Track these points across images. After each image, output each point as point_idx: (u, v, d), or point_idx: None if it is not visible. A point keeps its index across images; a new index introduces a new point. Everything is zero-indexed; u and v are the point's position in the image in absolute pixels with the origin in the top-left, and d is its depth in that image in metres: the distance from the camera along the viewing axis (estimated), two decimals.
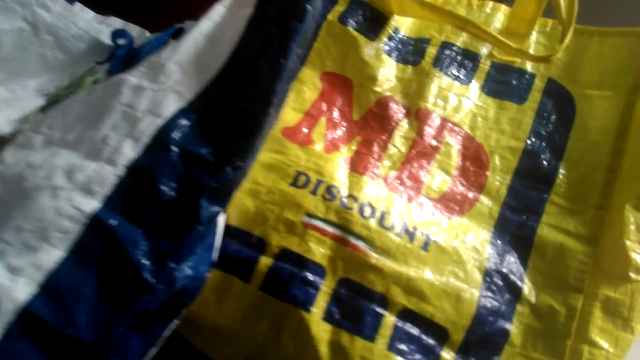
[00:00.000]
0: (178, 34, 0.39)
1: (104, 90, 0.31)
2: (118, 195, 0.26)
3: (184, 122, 0.29)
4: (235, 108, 0.28)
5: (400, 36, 0.42)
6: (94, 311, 0.24)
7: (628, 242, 0.34)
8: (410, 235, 0.34)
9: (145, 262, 0.25)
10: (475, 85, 0.40)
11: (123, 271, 0.25)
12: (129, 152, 0.27)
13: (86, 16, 0.46)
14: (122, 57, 0.44)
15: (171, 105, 0.29)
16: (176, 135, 0.28)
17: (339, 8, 0.41)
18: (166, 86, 0.30)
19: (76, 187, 0.26)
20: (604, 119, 0.38)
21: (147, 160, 0.27)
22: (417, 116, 0.38)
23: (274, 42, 0.29)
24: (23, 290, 0.24)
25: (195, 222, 0.26)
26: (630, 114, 0.37)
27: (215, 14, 0.33)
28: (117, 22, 0.49)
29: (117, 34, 0.45)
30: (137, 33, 0.48)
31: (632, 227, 0.34)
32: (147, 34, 0.48)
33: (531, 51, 0.41)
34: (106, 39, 0.46)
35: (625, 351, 0.32)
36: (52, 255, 0.25)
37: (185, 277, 0.27)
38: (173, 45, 0.32)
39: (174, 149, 0.27)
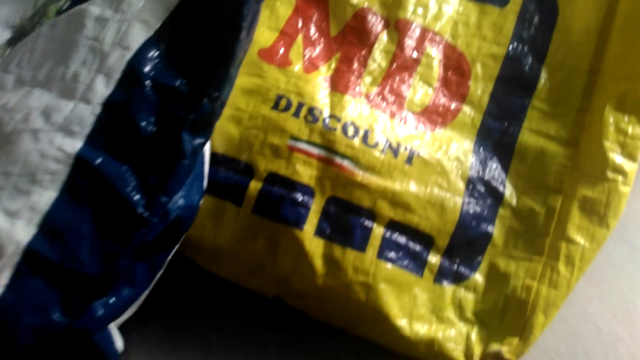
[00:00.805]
0: None
1: (67, 24, 0.30)
2: (98, 133, 0.27)
3: (154, 53, 0.28)
4: (204, 36, 0.28)
5: None
6: (95, 246, 0.25)
7: (607, 143, 0.35)
8: (394, 150, 0.35)
9: (136, 197, 0.26)
10: None
11: (116, 207, 0.26)
12: (102, 89, 0.27)
13: None
14: None
15: (138, 36, 0.28)
16: (147, 68, 0.28)
17: None
18: (130, 15, 0.29)
19: (56, 128, 0.27)
20: (586, 20, 0.37)
21: (122, 97, 0.27)
22: (396, 27, 0.38)
23: None
24: (23, 231, 0.25)
25: (179, 157, 0.27)
26: (612, 14, 0.37)
27: None
28: None
29: None
30: None
31: (611, 128, 0.35)
32: None
33: None
34: None
35: (600, 245, 0.34)
36: (45, 197, 0.26)
37: (178, 207, 0.28)
38: None
39: (147, 82, 0.27)
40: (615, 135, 0.35)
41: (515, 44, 0.38)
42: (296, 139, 0.34)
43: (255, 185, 0.34)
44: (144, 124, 0.27)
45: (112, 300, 0.27)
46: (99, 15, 0.29)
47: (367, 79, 0.37)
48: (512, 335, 0.33)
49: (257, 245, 0.34)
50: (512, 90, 0.38)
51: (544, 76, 0.38)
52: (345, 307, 0.34)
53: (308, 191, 0.34)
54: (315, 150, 0.34)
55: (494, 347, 0.33)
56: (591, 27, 0.37)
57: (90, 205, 0.26)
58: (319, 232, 0.34)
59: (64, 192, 0.26)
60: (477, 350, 0.33)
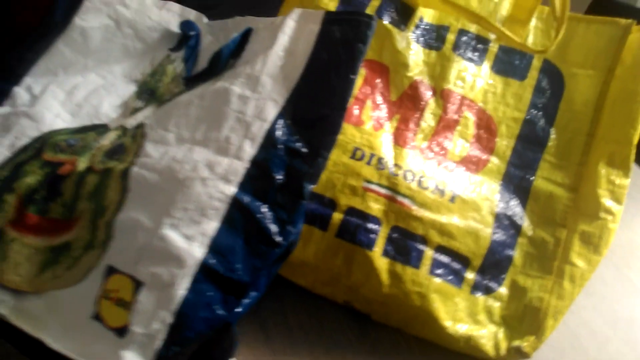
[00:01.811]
0: (247, 34, 0.47)
1: (215, 97, 0.41)
2: (247, 181, 0.37)
3: (282, 124, 0.39)
4: (318, 113, 0.38)
5: (425, 24, 0.51)
6: (246, 262, 0.36)
7: (600, 190, 0.46)
8: (441, 192, 0.46)
9: (273, 227, 0.36)
10: (486, 66, 0.50)
11: (259, 234, 0.36)
12: (249, 149, 0.38)
13: (156, 9, 0.53)
14: (194, 47, 0.52)
15: (271, 111, 0.39)
16: (279, 135, 0.38)
17: (375, 3, 0.50)
18: (264, 95, 0.39)
19: (218, 177, 0.37)
20: (586, 94, 0.49)
21: (263, 155, 0.37)
22: (441, 96, 0.49)
23: (343, 60, 0.39)
24: (198, 250, 0.35)
25: (301, 199, 0.37)
26: (606, 90, 0.48)
27: (288, 29, 0.42)
28: (175, 7, 0.56)
29: (185, 25, 0.52)
30: (195, 16, 0.56)
31: (603, 179, 0.46)
32: (204, 18, 0.56)
33: (530, 35, 0.51)
34: (174, 28, 0.54)
35: (595, 267, 0.45)
36: (211, 226, 0.36)
37: (295, 234, 0.38)
38: (261, 59, 0.41)
39: (280, 146, 0.38)
40: (607, 185, 0.46)
41: (531, 110, 0.49)
42: (369, 181, 0.45)
43: (337, 216, 0.45)
44: (278, 175, 0.37)
45: (247, 300, 0.37)
46: (241, 94, 0.40)
47: (420, 136, 0.48)
48: (529, 334, 0.44)
49: (336, 261, 0.45)
50: (529, 146, 0.49)
51: (552, 136, 0.49)
52: (404, 310, 0.45)
53: (377, 221, 0.45)
54: (382, 191, 0.45)
55: (516, 343, 0.44)
56: (590, 100, 0.49)
57: (242, 232, 0.36)
58: (385, 253, 0.44)
59: (224, 223, 0.36)
60: (503, 345, 0.44)
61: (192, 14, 0.56)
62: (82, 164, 0.42)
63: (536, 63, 0.50)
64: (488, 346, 0.44)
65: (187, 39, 0.53)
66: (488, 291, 0.46)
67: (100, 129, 0.48)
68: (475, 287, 0.46)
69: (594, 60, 0.49)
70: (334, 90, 0.39)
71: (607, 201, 0.46)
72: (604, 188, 0.46)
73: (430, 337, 0.45)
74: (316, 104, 0.39)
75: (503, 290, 0.46)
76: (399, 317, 0.45)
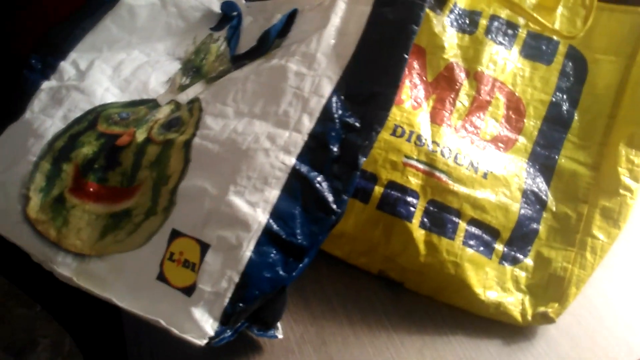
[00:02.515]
0: (293, 15, 0.49)
1: (271, 74, 0.43)
2: (305, 153, 0.39)
3: (336, 99, 0.41)
4: (371, 90, 0.41)
5: (458, 9, 0.53)
6: (305, 227, 0.38)
7: (620, 169, 0.50)
8: (475, 168, 0.49)
9: (329, 196, 0.39)
10: (515, 50, 0.53)
11: (317, 202, 0.39)
12: (307, 123, 0.40)
13: None
14: (236, 27, 0.54)
15: (327, 87, 0.41)
16: (335, 110, 0.41)
17: None
18: (320, 72, 0.42)
19: (279, 148, 0.39)
20: (608, 78, 0.52)
21: (320, 129, 0.40)
22: (475, 77, 0.51)
23: (396, 40, 0.41)
24: (262, 216, 0.38)
25: (355, 170, 0.40)
26: (627, 76, 0.51)
27: (339, 10, 0.45)
28: None
29: (227, 5, 0.54)
30: None
31: (623, 158, 0.50)
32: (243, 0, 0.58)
33: (557, 22, 0.54)
34: (215, 8, 0.56)
35: (614, 240, 0.49)
36: (273, 194, 0.38)
37: (346, 203, 0.41)
38: (316, 38, 0.43)
39: (336, 120, 0.40)
40: (626, 164, 0.50)
41: (557, 93, 0.52)
42: (408, 157, 0.48)
43: (378, 189, 0.47)
44: (333, 147, 0.40)
45: (302, 264, 0.40)
46: (297, 71, 0.42)
47: (455, 115, 0.50)
48: (553, 301, 0.48)
49: (375, 232, 0.48)
50: (554, 127, 0.52)
51: (575, 118, 0.52)
52: (438, 279, 0.48)
53: (415, 195, 0.47)
54: (421, 166, 0.48)
55: (541, 309, 0.47)
56: (611, 84, 0.52)
57: (300, 200, 0.39)
58: (422, 224, 0.47)
59: (284, 191, 0.39)
60: (530, 311, 0.48)
61: None
62: (140, 135, 0.44)
63: (562, 49, 0.53)
64: (515, 312, 0.47)
65: (228, 19, 0.55)
66: (515, 261, 0.49)
67: (150, 103, 0.50)
68: (504, 258, 0.49)
69: (616, 47, 0.52)
70: (387, 68, 0.41)
71: (626, 179, 0.49)
72: (624, 167, 0.50)
73: (462, 304, 0.49)
74: (369, 82, 0.41)
75: (529, 261, 0.49)
76: (432, 285, 0.49)
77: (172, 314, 0.37)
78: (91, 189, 0.43)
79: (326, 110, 0.40)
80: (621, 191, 0.49)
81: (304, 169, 0.39)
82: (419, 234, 0.47)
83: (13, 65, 0.63)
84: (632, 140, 0.50)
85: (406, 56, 0.41)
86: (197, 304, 0.37)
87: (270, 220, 0.38)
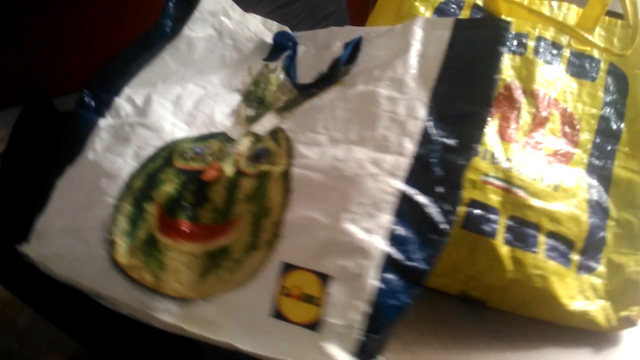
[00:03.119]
0: (359, 43, 0.50)
1: (361, 100, 0.43)
2: (411, 176, 0.39)
3: (431, 121, 0.41)
4: (464, 110, 0.42)
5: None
6: (420, 251, 0.38)
7: None
8: (546, 182, 0.50)
9: (439, 218, 0.39)
10: (562, 69, 0.56)
11: (428, 225, 0.39)
12: (410, 146, 0.40)
13: (254, 20, 0.55)
14: (292, 56, 0.54)
15: (421, 110, 0.42)
16: (432, 131, 0.41)
17: (465, 12, 0.54)
18: (411, 96, 0.42)
19: (386, 173, 0.39)
20: None
21: (423, 151, 0.40)
22: (532, 95, 0.53)
23: (485, 61, 0.42)
24: (380, 242, 0.37)
25: (459, 189, 0.40)
26: None
27: (417, 35, 0.45)
28: (260, 18, 0.57)
29: (282, 35, 0.54)
30: (276, 27, 0.58)
31: None
32: (287, 29, 0.58)
33: (596, 41, 0.57)
34: (268, 39, 0.55)
35: None
36: (385, 219, 0.38)
37: (454, 223, 0.41)
38: (402, 64, 0.44)
39: (435, 141, 0.41)
40: None
41: (605, 107, 0.55)
42: (486, 175, 0.49)
43: (462, 209, 0.48)
44: (437, 169, 0.40)
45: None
46: (389, 96, 0.42)
47: (520, 132, 0.52)
48: (633, 305, 0.49)
49: (459, 252, 0.48)
50: (606, 139, 0.54)
51: (624, 130, 0.55)
52: (525, 293, 0.48)
53: (496, 212, 0.48)
54: (499, 183, 0.49)
55: (624, 313, 0.49)
56: None
57: (413, 223, 0.38)
58: (506, 241, 0.48)
59: (396, 215, 0.38)
60: (613, 317, 0.49)
61: (274, 25, 0.58)
62: (228, 169, 0.43)
63: (603, 66, 0.56)
64: (600, 318, 0.48)
65: (279, 49, 0.55)
66: (590, 270, 0.50)
67: (220, 136, 0.48)
68: (580, 267, 0.50)
69: None
70: (478, 89, 0.42)
71: None
72: None
73: (548, 316, 0.49)
74: (461, 102, 0.42)
75: (601, 268, 0.51)
76: (518, 300, 0.49)
77: (301, 352, 0.36)
78: (183, 228, 0.41)
79: (425, 132, 0.41)
80: None
81: (412, 192, 0.39)
82: (504, 251, 0.48)
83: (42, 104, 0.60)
84: None
85: (496, 77, 0.42)
86: (328, 339, 0.35)
87: (389, 246, 0.37)
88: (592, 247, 0.51)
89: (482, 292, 0.49)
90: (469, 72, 0.43)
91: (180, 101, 0.51)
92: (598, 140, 0.54)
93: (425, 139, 0.41)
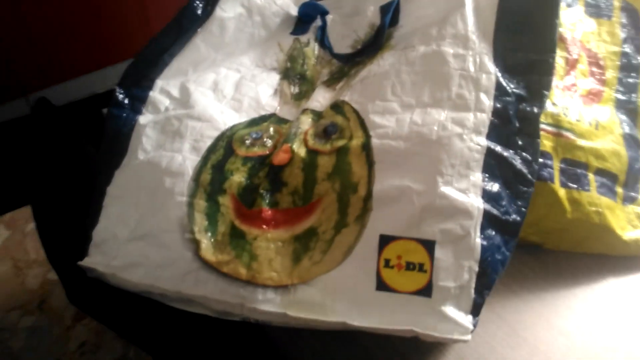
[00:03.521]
0: (398, 5, 0.49)
1: (427, 61, 0.42)
2: (492, 131, 0.40)
3: (500, 73, 0.42)
4: (528, 59, 0.42)
5: None
6: (512, 203, 0.39)
7: None
8: (588, 122, 0.52)
9: (524, 169, 0.40)
10: (581, 10, 0.57)
11: (516, 177, 0.39)
12: (487, 101, 0.40)
13: None
14: (324, 27, 0.52)
15: (489, 64, 0.42)
16: (505, 83, 0.41)
17: None
18: (477, 50, 0.42)
19: (471, 130, 0.39)
20: None
21: (499, 104, 0.40)
22: (561, 39, 0.54)
23: (542, 6, 0.42)
24: (477, 200, 0.37)
25: (537, 138, 0.41)
26: None
27: None
28: None
29: (310, 6, 0.52)
30: None
31: None
32: None
33: None
34: (293, 12, 0.53)
35: None
36: (477, 177, 0.38)
37: (537, 173, 0.41)
38: (460, 19, 0.43)
39: (511, 93, 0.41)
40: None
41: (624, 44, 0.57)
42: None
43: None
44: (514, 121, 0.40)
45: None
46: (455, 53, 0.42)
47: (557, 77, 0.53)
48: None
49: None
50: (628, 74, 0.57)
51: None
52: (582, 231, 0.50)
53: (549, 157, 0.49)
54: (549, 128, 0.50)
55: None
56: None
57: (501, 178, 0.39)
58: (562, 183, 0.49)
59: (485, 172, 0.39)
60: None
61: None
62: (300, 150, 0.42)
63: (616, 3, 0.58)
64: None
65: (304, 21, 0.53)
66: (632, 200, 0.53)
67: (271, 118, 0.47)
68: (625, 199, 0.53)
69: None
70: (540, 36, 0.42)
71: None
72: None
73: (603, 249, 0.52)
74: (525, 51, 0.42)
75: None
76: (576, 238, 0.51)
77: (419, 320, 0.36)
78: (265, 215, 0.40)
79: (499, 86, 0.41)
80: None
81: (496, 146, 0.40)
82: (563, 193, 0.49)
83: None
84: None
85: (557, 21, 0.42)
86: (444, 302, 0.36)
87: (485, 203, 0.38)
88: (632, 178, 0.53)
89: (540, 235, 0.51)
90: (527, 20, 0.43)
91: (219, 87, 0.48)
92: (622, 76, 0.56)
93: (500, 92, 0.41)
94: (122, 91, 0.47)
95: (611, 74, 0.56)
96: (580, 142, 0.50)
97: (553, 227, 0.50)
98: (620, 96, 0.56)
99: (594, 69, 0.56)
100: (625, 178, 0.53)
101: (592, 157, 0.51)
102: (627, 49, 0.57)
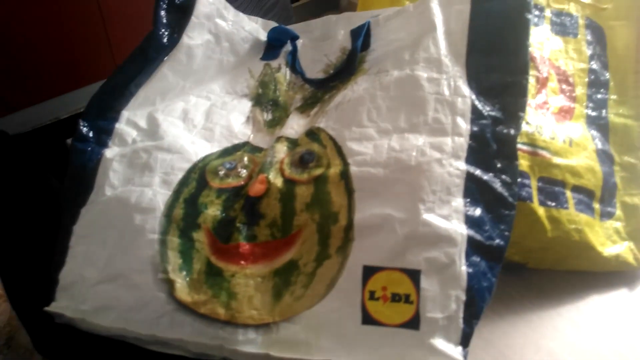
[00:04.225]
0: (369, 29, 0.48)
1: (401, 86, 0.42)
2: (470, 154, 0.39)
3: (474, 96, 0.41)
4: (503, 81, 0.42)
5: None
6: (495, 228, 0.38)
7: None
8: (562, 139, 0.52)
9: (504, 191, 0.39)
10: (547, 28, 0.58)
11: (497, 200, 0.38)
12: (464, 125, 0.40)
13: (247, 19, 0.51)
14: (294, 52, 0.51)
15: (464, 87, 0.41)
16: (480, 106, 0.41)
17: None
18: (451, 74, 0.41)
19: (450, 155, 0.38)
20: (625, 40, 0.59)
21: (476, 127, 0.40)
22: (530, 59, 0.55)
23: (514, 29, 0.42)
24: (460, 227, 0.36)
25: (515, 160, 0.40)
26: None
27: (437, 12, 0.45)
28: (258, 21, 0.54)
29: (280, 31, 0.51)
30: (261, 23, 0.55)
31: None
32: (274, 23, 0.55)
33: None
34: (262, 37, 0.52)
35: None
36: (458, 202, 0.37)
37: (517, 195, 0.41)
38: (432, 43, 0.43)
39: (487, 115, 0.40)
40: None
41: (590, 61, 0.58)
42: None
43: None
44: (492, 143, 0.40)
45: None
46: (429, 77, 0.41)
47: (529, 96, 0.53)
48: None
49: None
50: (597, 90, 0.57)
51: (610, 79, 0.58)
52: (564, 249, 0.50)
53: (527, 176, 0.49)
54: (525, 147, 0.50)
55: None
56: (629, 45, 0.59)
57: (482, 202, 0.38)
58: (541, 202, 0.49)
59: (465, 196, 0.38)
60: (639, 255, 0.52)
61: (259, 21, 0.55)
62: (276, 180, 0.40)
63: (581, 21, 0.59)
64: (630, 258, 0.52)
65: (274, 46, 0.52)
66: (610, 215, 0.53)
67: (245, 147, 0.46)
68: (602, 215, 0.53)
69: (625, 12, 0.59)
70: (513, 58, 0.42)
71: None
72: None
73: (585, 266, 0.51)
74: (498, 73, 0.42)
75: (618, 212, 0.54)
76: (557, 256, 0.51)
77: (408, 354, 0.34)
78: (243, 250, 0.38)
79: (475, 109, 0.41)
80: None
81: (475, 170, 0.39)
82: (542, 212, 0.49)
83: None
84: None
85: (528, 43, 0.42)
86: (433, 334, 0.35)
87: (469, 229, 0.37)
88: (608, 193, 0.54)
89: (522, 255, 0.51)
90: (498, 42, 0.43)
91: (189, 116, 0.47)
92: (590, 92, 0.57)
93: (476, 115, 0.41)
94: (86, 123, 0.45)
95: (581, 91, 0.57)
96: (556, 160, 0.51)
97: (534, 246, 0.50)
98: (590, 112, 0.56)
99: (564, 86, 0.56)
100: (601, 194, 0.53)
101: (568, 174, 0.51)
102: (594, 65, 0.58)
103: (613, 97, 0.58)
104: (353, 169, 0.39)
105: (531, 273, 0.52)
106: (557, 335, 0.47)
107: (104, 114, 0.45)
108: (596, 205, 0.52)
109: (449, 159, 0.38)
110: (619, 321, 0.48)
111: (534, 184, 0.50)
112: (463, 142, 0.39)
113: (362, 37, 0.47)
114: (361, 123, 0.41)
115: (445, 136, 0.39)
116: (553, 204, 0.50)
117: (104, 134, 0.45)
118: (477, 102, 0.41)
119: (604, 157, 0.55)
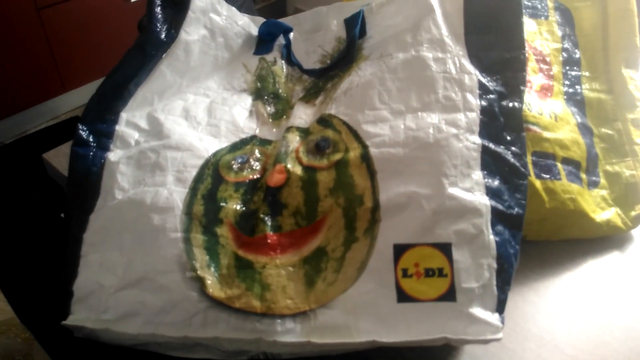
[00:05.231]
0: (363, 16, 0.49)
1: (409, 67, 0.42)
2: (482, 128, 0.40)
3: (478, 72, 0.43)
4: (501, 57, 0.43)
5: None
6: (512, 197, 0.39)
7: (629, 87, 0.60)
8: (547, 115, 0.55)
9: (516, 162, 0.41)
10: None
11: (512, 171, 0.40)
12: (473, 100, 0.41)
13: (239, 14, 0.51)
14: (288, 44, 0.51)
15: (467, 64, 0.42)
16: (486, 82, 0.42)
17: None
18: (455, 52, 0.43)
19: (465, 130, 0.39)
20: (591, 20, 0.63)
21: (485, 102, 0.41)
22: None
23: (509, 7, 0.44)
24: (484, 198, 0.38)
25: (522, 131, 0.42)
26: (606, 14, 0.62)
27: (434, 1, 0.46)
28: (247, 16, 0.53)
29: (273, 25, 0.51)
30: (250, 18, 0.54)
31: (628, 78, 0.60)
32: (262, 18, 0.55)
33: None
34: (254, 31, 0.52)
35: None
36: (478, 174, 0.38)
37: (527, 165, 0.42)
38: (433, 24, 0.44)
39: (492, 90, 0.42)
40: (632, 82, 0.61)
41: (563, 41, 0.61)
42: None
43: None
44: (500, 117, 0.41)
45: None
46: (435, 57, 0.42)
47: None
48: (636, 203, 0.56)
49: None
50: (571, 68, 0.61)
51: (581, 57, 0.62)
52: (560, 219, 0.52)
53: None
54: None
55: (634, 213, 0.55)
56: (596, 24, 0.62)
57: (498, 173, 0.39)
58: (536, 175, 0.51)
59: (483, 168, 0.39)
60: (627, 218, 0.55)
61: (246, 16, 0.55)
62: (295, 168, 0.40)
63: (550, 4, 0.62)
64: (620, 223, 0.55)
65: (265, 40, 0.52)
66: (595, 184, 0.56)
67: (253, 140, 0.45)
68: (589, 184, 0.56)
69: None
70: (509, 35, 0.44)
71: (637, 93, 0.60)
72: (631, 84, 0.60)
73: (579, 234, 0.54)
74: (497, 50, 0.44)
75: (603, 181, 0.57)
76: (554, 227, 0.53)
77: (448, 325, 0.35)
78: (272, 241, 0.38)
79: (482, 85, 0.42)
80: (638, 103, 0.60)
81: (489, 143, 0.40)
82: (539, 184, 0.51)
83: None
84: (628, 63, 0.61)
85: (522, 20, 0.44)
86: (470, 304, 0.35)
87: (490, 200, 0.38)
88: (592, 164, 0.57)
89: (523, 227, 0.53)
90: (494, 21, 0.45)
91: (190, 114, 0.46)
92: (565, 70, 0.60)
93: (484, 91, 0.42)
94: (84, 128, 0.43)
95: (557, 69, 0.60)
96: (546, 134, 0.53)
97: (533, 218, 0.52)
98: (567, 89, 0.60)
99: (542, 66, 0.59)
100: (586, 164, 0.56)
101: (557, 147, 0.54)
102: (566, 45, 0.61)
103: (585, 73, 0.61)
104: (373, 150, 0.39)
105: (530, 245, 0.54)
106: (566, 300, 0.49)
107: (102, 116, 0.43)
108: (583, 175, 0.55)
109: (464, 133, 0.40)
110: (614, 280, 0.51)
111: (528, 158, 0.52)
112: (475, 116, 0.41)
113: (358, 25, 0.48)
114: (374, 106, 0.42)
115: (458, 112, 0.41)
116: (547, 176, 0.52)
117: (105, 137, 0.43)
118: (482, 78, 0.42)
119: (585, 130, 0.58)
